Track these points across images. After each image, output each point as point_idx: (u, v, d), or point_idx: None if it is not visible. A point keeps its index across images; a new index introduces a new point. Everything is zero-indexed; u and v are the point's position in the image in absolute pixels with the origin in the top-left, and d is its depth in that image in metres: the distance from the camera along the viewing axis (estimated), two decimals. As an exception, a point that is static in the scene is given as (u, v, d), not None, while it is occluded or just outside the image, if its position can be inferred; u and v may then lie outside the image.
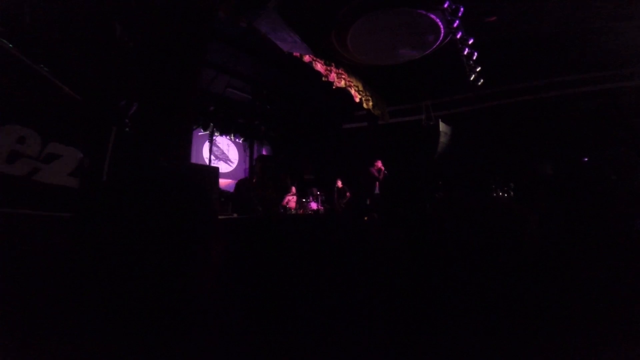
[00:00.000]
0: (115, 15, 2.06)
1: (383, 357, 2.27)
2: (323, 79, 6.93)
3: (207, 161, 8.70)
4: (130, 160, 2.26)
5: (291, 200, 8.00)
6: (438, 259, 3.59)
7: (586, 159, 8.51)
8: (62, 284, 1.38)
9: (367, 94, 8.39)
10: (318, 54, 6.50)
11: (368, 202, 8.35)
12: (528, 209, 3.90)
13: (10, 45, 1.17)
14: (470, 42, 6.37)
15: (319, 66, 6.64)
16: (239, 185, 6.11)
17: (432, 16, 5.78)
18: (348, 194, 8.67)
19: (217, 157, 9.67)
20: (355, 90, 7.87)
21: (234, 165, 10.23)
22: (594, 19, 6.29)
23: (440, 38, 6.51)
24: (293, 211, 7.52)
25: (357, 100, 8.04)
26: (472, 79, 7.57)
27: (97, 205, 1.73)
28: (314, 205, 8.33)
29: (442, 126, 9.03)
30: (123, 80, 2.32)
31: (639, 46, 7.06)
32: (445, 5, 5.42)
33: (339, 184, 8.71)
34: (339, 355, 2.26)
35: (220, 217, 4.20)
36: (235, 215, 5.64)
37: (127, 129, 2.27)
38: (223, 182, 9.34)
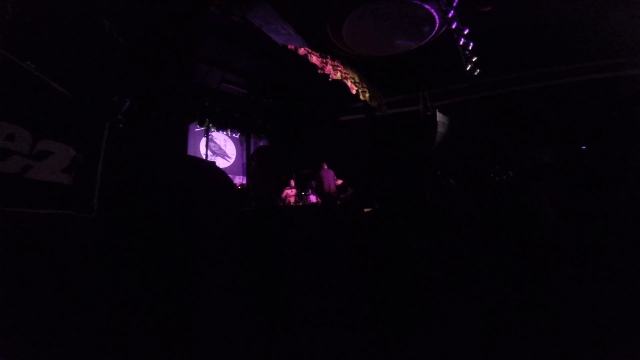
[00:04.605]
0: (104, 10, 2.04)
1: (387, 354, 2.29)
2: (319, 71, 6.88)
3: (204, 157, 8.68)
4: (125, 156, 2.25)
5: (290, 194, 8.02)
6: (445, 249, 3.56)
7: (584, 147, 8.52)
8: (57, 284, 1.38)
9: (364, 85, 8.35)
10: (313, 47, 6.45)
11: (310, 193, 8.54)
12: (542, 189, 3.76)
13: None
14: (466, 32, 6.34)
15: (315, 59, 6.60)
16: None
17: (427, 6, 5.74)
18: (349, 188, 8.68)
19: (214, 153, 9.65)
20: (351, 82, 7.83)
21: (231, 161, 10.22)
22: (591, 8, 6.25)
23: (436, 28, 6.47)
24: (293, 205, 7.56)
25: (354, 92, 8.00)
26: (468, 69, 7.56)
27: (93, 202, 1.73)
28: (313, 199, 8.35)
29: (440, 116, 9.01)
30: (115, 76, 2.30)
31: (636, 35, 7.03)
32: (440, -4, 5.39)
33: (339, 181, 8.70)
34: (343, 350, 2.28)
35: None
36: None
37: (120, 125, 2.26)
38: (221, 178, 9.33)
